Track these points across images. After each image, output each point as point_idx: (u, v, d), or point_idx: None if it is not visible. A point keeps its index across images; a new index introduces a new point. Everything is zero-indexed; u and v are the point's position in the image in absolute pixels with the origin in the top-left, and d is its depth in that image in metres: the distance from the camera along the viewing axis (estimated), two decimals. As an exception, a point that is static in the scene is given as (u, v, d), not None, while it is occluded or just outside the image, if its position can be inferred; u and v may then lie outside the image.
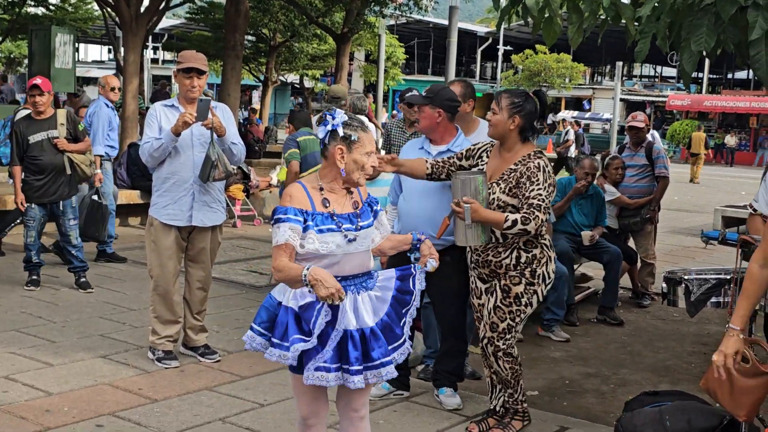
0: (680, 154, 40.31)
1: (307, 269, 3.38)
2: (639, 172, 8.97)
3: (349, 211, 3.67)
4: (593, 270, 9.42)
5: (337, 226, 3.59)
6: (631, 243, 9.24)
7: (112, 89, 9.56)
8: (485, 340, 4.98)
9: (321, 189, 3.67)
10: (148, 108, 17.07)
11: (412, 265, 3.71)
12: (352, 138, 3.60)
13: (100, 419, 4.94)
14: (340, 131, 3.60)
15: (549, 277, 4.91)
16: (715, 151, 41.92)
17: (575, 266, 8.49)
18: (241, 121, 23.91)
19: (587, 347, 7.35)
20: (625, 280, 9.12)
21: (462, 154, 5.10)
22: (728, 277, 4.55)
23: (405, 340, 3.68)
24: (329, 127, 3.61)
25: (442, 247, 5.06)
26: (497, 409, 5.14)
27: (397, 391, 5.58)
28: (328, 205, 3.64)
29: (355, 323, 3.54)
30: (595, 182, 8.50)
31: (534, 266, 4.83)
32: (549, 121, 52.97)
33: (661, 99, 47.65)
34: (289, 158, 7.78)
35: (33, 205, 7.85)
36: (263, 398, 5.40)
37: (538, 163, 4.74)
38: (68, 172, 7.91)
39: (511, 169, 4.80)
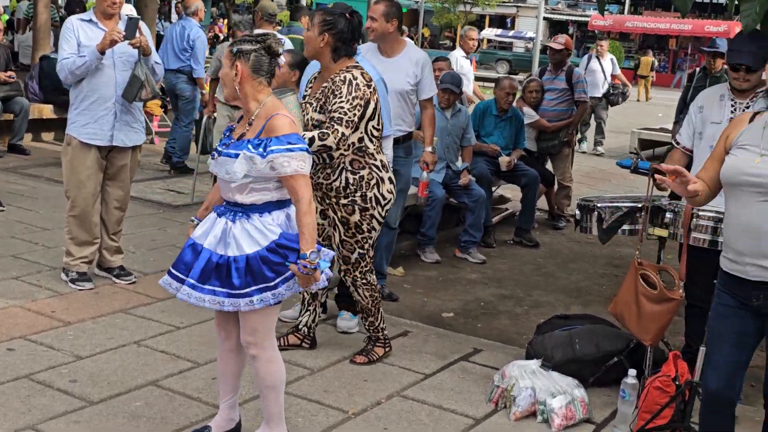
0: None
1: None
2: (558, 95, 9.03)
3: (237, 136, 3.66)
4: (511, 191, 9.53)
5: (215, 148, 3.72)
6: (549, 166, 9.35)
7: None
8: (342, 272, 4.99)
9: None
10: (62, 18, 16.42)
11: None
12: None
13: (12, 343, 4.85)
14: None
15: (384, 198, 4.85)
16: (633, 72, 42.41)
17: (493, 188, 8.57)
18: (160, 32, 23.24)
19: (503, 269, 7.48)
20: (542, 202, 9.26)
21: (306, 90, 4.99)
22: (639, 205, 4.65)
23: (277, 285, 3.56)
24: None
25: None
26: (300, 327, 5.15)
27: (314, 313, 5.60)
28: (233, 128, 3.73)
29: (215, 247, 3.60)
30: (514, 104, 8.54)
31: (364, 190, 4.77)
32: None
33: (584, 18, 47.74)
34: None
35: None
36: (179, 321, 5.37)
37: (344, 77, 4.67)
38: None
39: (323, 87, 4.74)
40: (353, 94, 4.62)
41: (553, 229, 9.05)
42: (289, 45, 6.75)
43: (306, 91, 4.95)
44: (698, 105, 4.94)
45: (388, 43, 5.87)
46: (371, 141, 4.77)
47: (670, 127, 12.22)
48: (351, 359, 4.99)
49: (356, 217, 4.80)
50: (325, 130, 4.56)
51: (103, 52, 5.58)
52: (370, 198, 4.80)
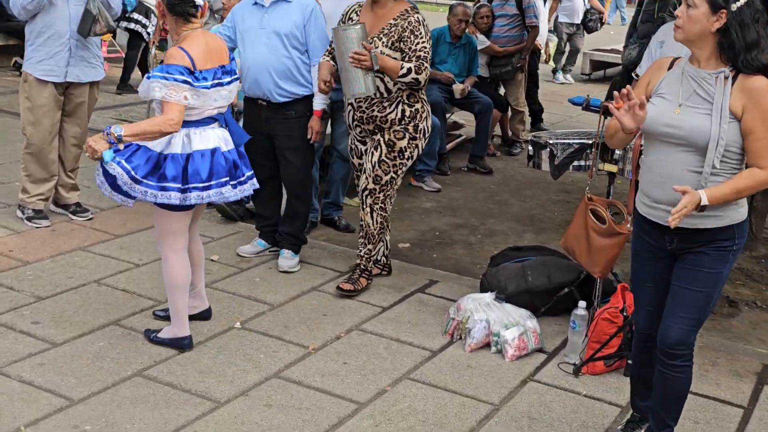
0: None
1: None
2: (510, 21, 9.02)
3: None
4: (464, 117, 9.59)
5: None
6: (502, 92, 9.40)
7: None
8: (366, 192, 5.12)
9: None
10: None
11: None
12: None
13: (-29, 284, 4.88)
14: None
15: (429, 131, 5.16)
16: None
17: (447, 116, 8.63)
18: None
19: (457, 197, 7.59)
20: (496, 128, 9.34)
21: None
22: (590, 141, 4.75)
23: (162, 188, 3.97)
24: None
25: (286, 99, 5.16)
26: (378, 259, 5.34)
27: (272, 248, 5.67)
28: None
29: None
30: (467, 31, 8.54)
31: (417, 120, 5.04)
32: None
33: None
34: None
35: None
36: (138, 258, 5.41)
37: (418, 18, 4.91)
38: None
39: (391, 23, 4.91)
40: (428, 36, 4.91)
41: (507, 155, 9.15)
42: None
43: (353, 18, 5.08)
44: (659, 39, 4.98)
45: None
46: None
47: (620, 47, 12.27)
48: (338, 285, 5.11)
49: (404, 142, 5.03)
50: (419, 66, 4.80)
51: None
52: (421, 129, 5.08)
